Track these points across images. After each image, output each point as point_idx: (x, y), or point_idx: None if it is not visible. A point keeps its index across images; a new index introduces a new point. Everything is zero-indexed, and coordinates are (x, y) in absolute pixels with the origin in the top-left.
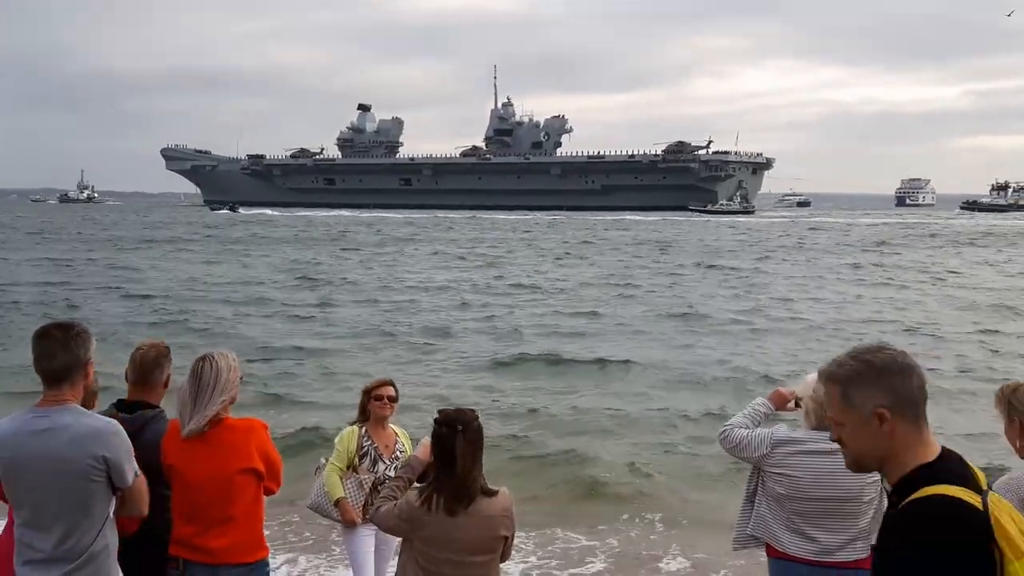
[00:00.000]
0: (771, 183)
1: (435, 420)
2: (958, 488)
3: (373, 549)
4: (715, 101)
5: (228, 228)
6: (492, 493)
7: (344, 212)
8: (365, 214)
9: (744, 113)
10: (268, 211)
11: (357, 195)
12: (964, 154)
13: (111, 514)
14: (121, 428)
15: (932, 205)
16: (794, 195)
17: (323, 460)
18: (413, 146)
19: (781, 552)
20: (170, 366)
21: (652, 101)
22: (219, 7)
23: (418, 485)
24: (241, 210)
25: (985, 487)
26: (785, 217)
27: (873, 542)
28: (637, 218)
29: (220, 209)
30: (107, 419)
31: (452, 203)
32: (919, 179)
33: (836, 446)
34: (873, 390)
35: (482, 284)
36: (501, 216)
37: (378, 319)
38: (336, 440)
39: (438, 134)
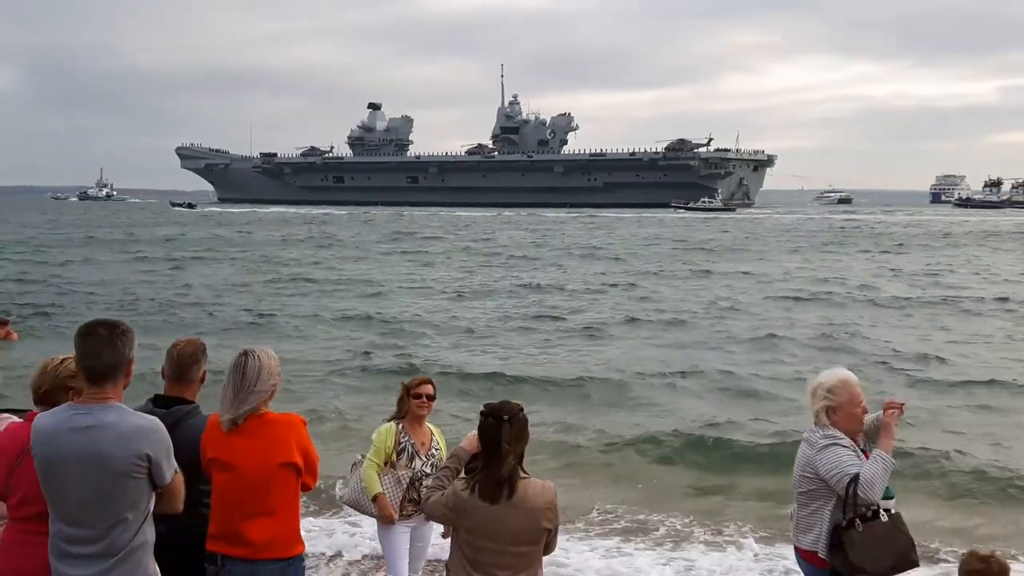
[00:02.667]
0: (808, 180)
1: (481, 412)
2: None
3: (408, 546)
4: (744, 97)
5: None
6: (534, 484)
7: (374, 209)
8: (373, 210)
9: (774, 109)
10: (234, 208)
11: (366, 192)
12: (999, 149)
13: (150, 511)
14: (163, 426)
15: None
16: (833, 192)
17: (359, 456)
18: (432, 144)
19: None
20: (206, 362)
21: (679, 97)
22: (250, 7)
23: (465, 476)
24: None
25: None
26: (782, 213)
27: (808, 545)
28: (609, 215)
29: (179, 206)
30: (150, 417)
31: (458, 201)
32: (953, 175)
33: (813, 438)
34: None
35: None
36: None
37: None
38: (374, 436)
39: (459, 132)
